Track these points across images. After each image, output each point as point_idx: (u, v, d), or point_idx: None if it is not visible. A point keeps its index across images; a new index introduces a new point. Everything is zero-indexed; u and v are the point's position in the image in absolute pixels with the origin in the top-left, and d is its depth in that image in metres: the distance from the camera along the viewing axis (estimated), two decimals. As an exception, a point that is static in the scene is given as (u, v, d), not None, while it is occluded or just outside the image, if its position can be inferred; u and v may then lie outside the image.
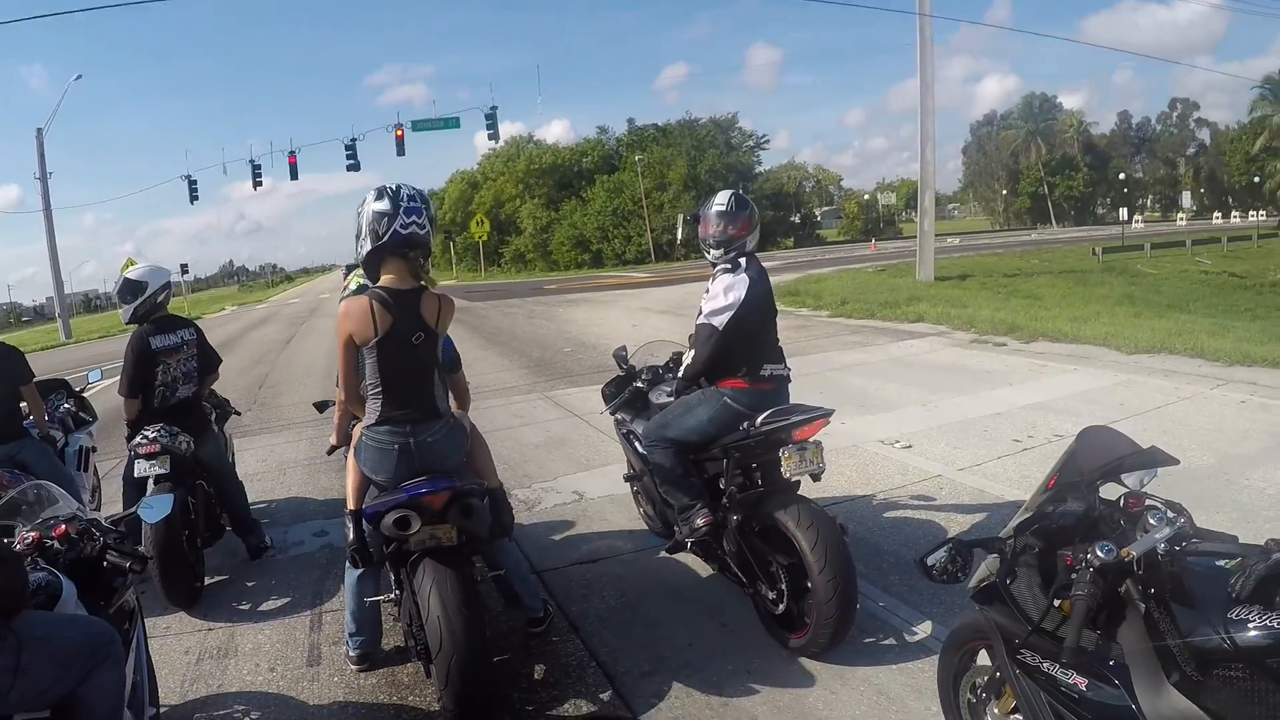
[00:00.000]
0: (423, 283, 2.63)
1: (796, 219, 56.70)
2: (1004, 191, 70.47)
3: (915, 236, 18.77)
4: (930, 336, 10.00)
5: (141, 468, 3.61)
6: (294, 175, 27.35)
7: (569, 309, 18.04)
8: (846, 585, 2.66)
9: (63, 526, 2.09)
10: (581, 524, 4.38)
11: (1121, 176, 56.89)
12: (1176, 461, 1.68)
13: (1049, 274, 18.20)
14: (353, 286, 3.15)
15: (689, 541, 3.20)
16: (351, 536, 2.64)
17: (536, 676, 2.87)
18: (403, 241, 2.54)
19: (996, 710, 1.90)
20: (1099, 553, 1.46)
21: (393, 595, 2.76)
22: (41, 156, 26.17)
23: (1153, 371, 7.04)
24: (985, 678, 1.93)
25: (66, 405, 4.72)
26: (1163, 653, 1.39)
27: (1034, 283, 15.97)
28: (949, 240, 38.98)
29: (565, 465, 5.52)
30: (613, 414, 3.91)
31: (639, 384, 3.74)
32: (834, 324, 11.96)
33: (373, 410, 2.61)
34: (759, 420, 2.93)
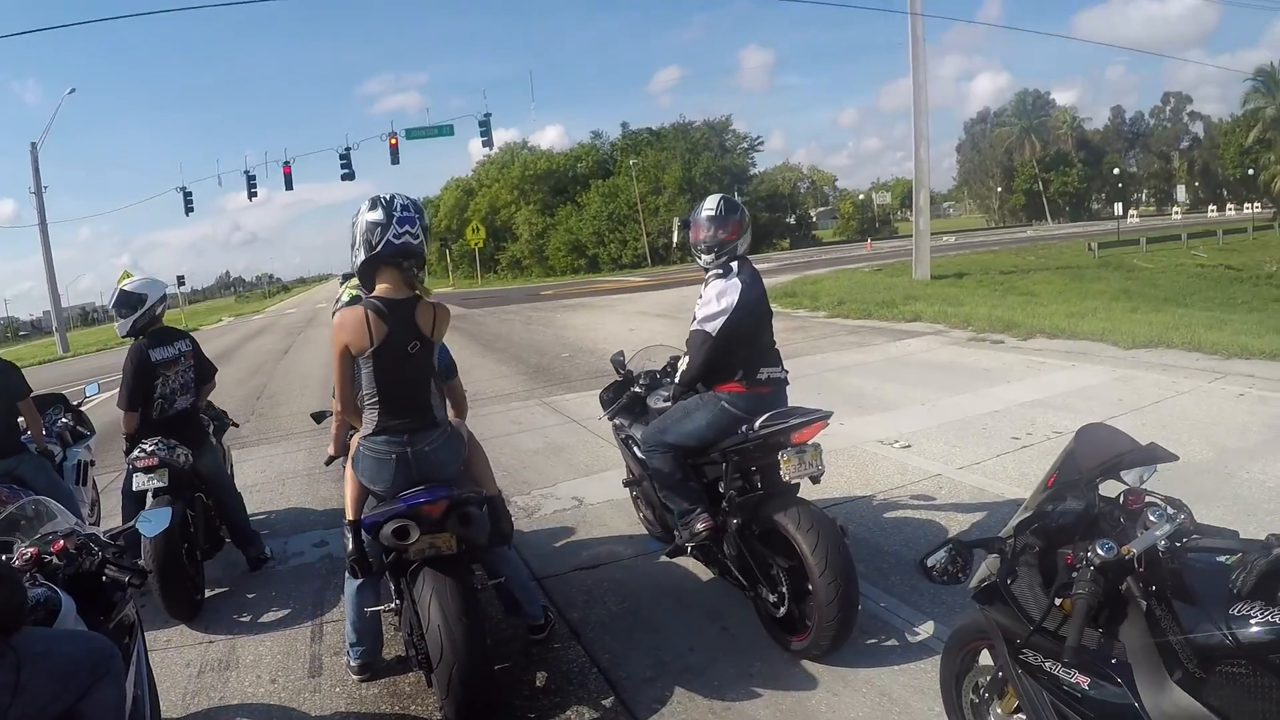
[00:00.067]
0: (417, 292, 2.64)
1: (792, 220, 56.77)
2: (999, 189, 70.57)
3: (911, 235, 18.83)
4: (927, 335, 10.00)
5: (140, 481, 3.61)
6: (289, 185, 27.62)
7: (566, 314, 18.05)
8: (848, 587, 2.66)
9: (61, 542, 2.08)
10: (581, 530, 4.38)
11: (1116, 171, 56.87)
12: (1175, 458, 1.68)
13: (1045, 270, 18.27)
14: (345, 298, 3.15)
15: (689, 546, 3.20)
16: (351, 547, 2.65)
17: (538, 684, 2.86)
18: (396, 251, 2.55)
19: (999, 710, 1.90)
20: (1099, 551, 1.46)
21: (393, 605, 2.75)
22: (36, 171, 26.24)
23: (1150, 366, 7.04)
24: (988, 678, 1.93)
25: (64, 419, 4.72)
26: (1165, 650, 1.39)
27: (1030, 279, 16.03)
28: (945, 239, 39.09)
29: (564, 471, 5.51)
30: (611, 419, 3.92)
31: (637, 389, 3.74)
32: (831, 324, 11.96)
33: (370, 420, 2.60)
34: (757, 424, 2.93)
